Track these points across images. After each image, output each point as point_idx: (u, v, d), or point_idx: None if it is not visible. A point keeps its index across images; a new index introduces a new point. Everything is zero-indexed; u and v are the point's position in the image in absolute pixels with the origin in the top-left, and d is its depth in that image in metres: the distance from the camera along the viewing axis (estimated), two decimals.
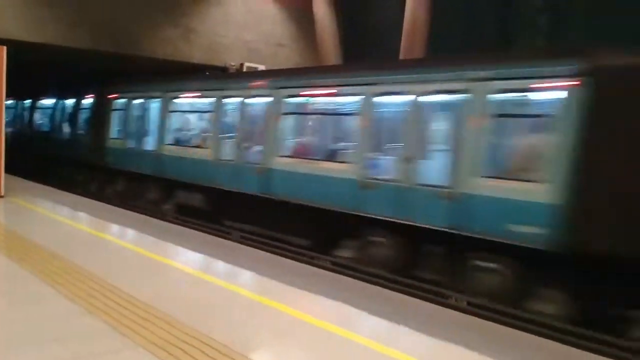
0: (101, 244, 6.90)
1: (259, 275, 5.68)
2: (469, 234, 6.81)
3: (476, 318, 6.00)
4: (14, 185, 10.54)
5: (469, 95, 7.02)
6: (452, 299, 7.15)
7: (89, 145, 15.68)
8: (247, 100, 10.65)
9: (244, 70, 18.15)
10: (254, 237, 10.27)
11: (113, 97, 15.15)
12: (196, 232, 9.42)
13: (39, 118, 20.55)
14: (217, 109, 11.39)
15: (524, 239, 6.24)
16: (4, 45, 9.57)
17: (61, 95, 18.44)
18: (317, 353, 3.80)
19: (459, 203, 6.93)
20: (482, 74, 6.94)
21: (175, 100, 12.89)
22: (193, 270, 5.72)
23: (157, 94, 13.32)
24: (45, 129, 19.51)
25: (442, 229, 7.06)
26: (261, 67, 18.63)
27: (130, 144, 13.90)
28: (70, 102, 17.75)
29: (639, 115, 5.85)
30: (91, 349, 3.64)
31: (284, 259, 7.92)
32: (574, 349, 4.94)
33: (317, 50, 17.90)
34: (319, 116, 10.17)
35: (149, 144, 13.28)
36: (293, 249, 9.48)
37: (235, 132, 10.85)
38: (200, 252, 6.62)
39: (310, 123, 10.45)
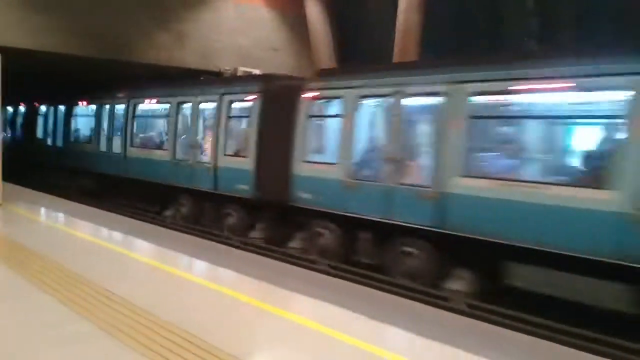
0: (97, 251, 6.85)
1: (254, 279, 5.64)
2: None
3: (475, 320, 6.00)
4: (10, 192, 10.48)
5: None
6: (452, 301, 7.13)
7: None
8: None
9: (238, 74, 18.17)
10: (249, 241, 10.27)
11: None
12: (195, 237, 9.42)
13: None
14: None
15: (245, 193, 10.37)
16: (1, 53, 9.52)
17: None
18: (312, 356, 3.76)
19: None
20: None
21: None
22: (191, 275, 5.69)
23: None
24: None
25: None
26: (256, 71, 18.65)
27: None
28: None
29: (275, 114, 10.06)
30: (87, 354, 3.60)
31: (278, 262, 7.91)
32: (572, 350, 4.94)
33: (311, 54, 17.92)
34: None
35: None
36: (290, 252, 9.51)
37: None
38: (198, 257, 6.59)
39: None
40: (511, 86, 6.88)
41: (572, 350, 4.92)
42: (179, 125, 12.78)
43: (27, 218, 9.00)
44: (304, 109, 9.39)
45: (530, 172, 7.07)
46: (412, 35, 15.43)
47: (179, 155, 12.35)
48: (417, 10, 15.13)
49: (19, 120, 21.96)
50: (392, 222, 7.82)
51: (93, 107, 16.93)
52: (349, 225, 8.59)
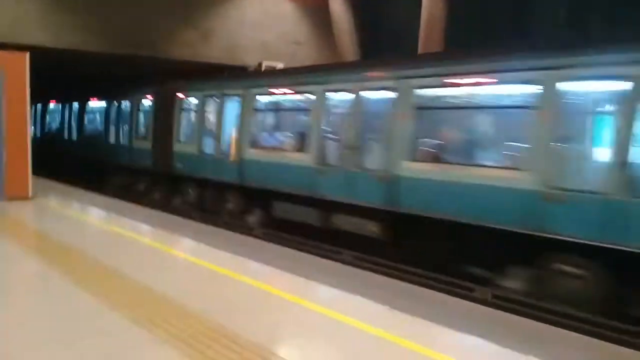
0: (126, 242, 7.01)
1: (284, 272, 5.71)
2: None
3: (501, 311, 5.97)
4: (41, 186, 10.76)
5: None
6: (476, 292, 7.11)
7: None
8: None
9: (263, 69, 18.21)
10: (278, 234, 10.35)
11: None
12: (222, 230, 9.53)
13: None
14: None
15: (148, 166, 14.88)
16: (27, 51, 9.75)
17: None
18: (343, 350, 3.80)
19: None
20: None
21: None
22: (219, 267, 5.77)
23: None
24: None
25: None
26: (279, 65, 18.70)
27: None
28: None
29: (164, 108, 14.08)
30: (118, 345, 3.70)
31: (306, 254, 7.96)
32: (599, 341, 4.89)
33: (335, 46, 17.89)
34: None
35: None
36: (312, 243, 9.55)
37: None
38: (225, 250, 6.67)
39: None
40: (446, 80, 7.91)
41: (601, 342, 4.87)
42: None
43: (58, 211, 9.23)
44: (177, 104, 13.75)
45: (463, 155, 7.92)
46: (436, 26, 15.30)
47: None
48: (441, 3, 15.02)
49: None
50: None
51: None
52: (202, 183, 12.73)
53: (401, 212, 8.11)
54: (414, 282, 6.97)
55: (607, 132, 6.68)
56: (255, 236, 9.86)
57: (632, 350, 4.74)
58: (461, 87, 7.92)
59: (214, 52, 17.34)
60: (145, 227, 8.12)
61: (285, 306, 4.62)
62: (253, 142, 11.22)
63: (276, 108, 12.12)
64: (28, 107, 9.73)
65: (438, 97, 8.47)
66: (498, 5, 16.22)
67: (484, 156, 7.85)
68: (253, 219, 11.47)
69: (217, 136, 12.11)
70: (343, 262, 8.11)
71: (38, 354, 3.55)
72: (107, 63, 17.67)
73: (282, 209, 10.51)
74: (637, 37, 6.46)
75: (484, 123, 8.18)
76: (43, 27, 13.82)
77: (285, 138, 10.93)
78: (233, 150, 11.45)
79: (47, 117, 23.36)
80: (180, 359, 3.47)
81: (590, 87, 6.65)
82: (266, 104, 11.91)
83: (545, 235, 6.43)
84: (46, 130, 23.48)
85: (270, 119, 12.17)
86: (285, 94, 11.18)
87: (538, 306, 6.42)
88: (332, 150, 9.37)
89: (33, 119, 21.07)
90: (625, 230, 5.84)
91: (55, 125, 22.77)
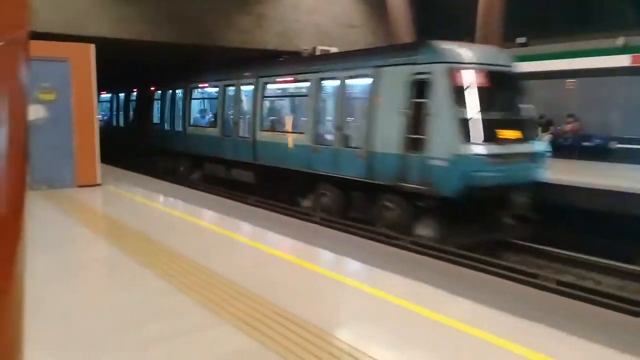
0: (191, 228, 7.25)
1: (339, 255, 5.77)
2: None
3: (565, 298, 5.83)
4: (109, 173, 11.26)
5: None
6: (540, 278, 6.97)
7: None
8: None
9: (317, 53, 18.20)
10: (333, 219, 10.47)
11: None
12: (278, 215, 9.70)
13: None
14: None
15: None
16: (92, 43, 10.15)
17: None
18: (399, 333, 3.83)
19: None
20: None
21: None
22: (275, 250, 5.90)
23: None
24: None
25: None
26: (333, 49, 18.66)
27: None
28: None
29: (145, 98, 20.14)
30: (184, 325, 3.87)
31: (360, 239, 8.01)
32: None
33: (390, 30, 17.65)
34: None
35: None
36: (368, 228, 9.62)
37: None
38: (281, 233, 6.81)
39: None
40: (276, 79, 13.52)
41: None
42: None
43: (125, 197, 9.63)
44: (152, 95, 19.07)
45: (283, 126, 13.33)
46: (495, 11, 14.91)
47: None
48: None
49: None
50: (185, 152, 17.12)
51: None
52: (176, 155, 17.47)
53: (259, 164, 13.39)
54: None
55: (334, 110, 11.65)
56: (313, 222, 9.99)
57: None
58: (280, 84, 13.44)
59: (268, 38, 17.50)
60: (208, 213, 8.35)
61: (348, 292, 4.68)
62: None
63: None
64: (95, 97, 10.14)
65: (272, 90, 13.63)
66: None
67: (293, 126, 12.93)
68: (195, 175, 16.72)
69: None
70: (399, 247, 8.10)
71: (107, 334, 3.76)
72: (165, 52, 18.12)
73: (207, 168, 16.03)
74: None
75: (290, 106, 14.01)
76: (105, 20, 14.34)
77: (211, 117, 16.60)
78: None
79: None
80: (243, 339, 3.60)
81: (331, 84, 11.65)
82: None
83: (315, 172, 11.57)
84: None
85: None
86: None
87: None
88: (230, 126, 14.70)
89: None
90: (342, 166, 10.89)
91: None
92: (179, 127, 17.20)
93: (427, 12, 19.07)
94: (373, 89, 10.16)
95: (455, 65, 9.07)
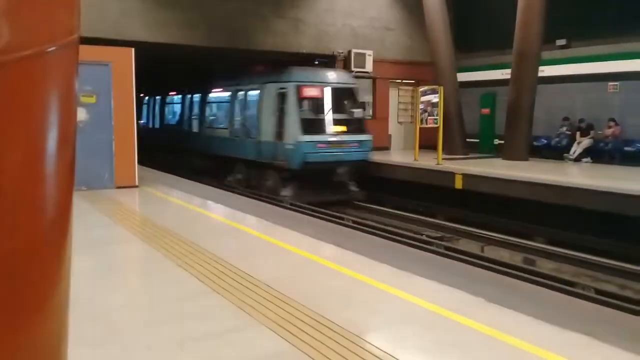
0: (227, 230, 7.33)
1: (372, 259, 5.74)
2: None
3: (605, 307, 5.68)
4: (146, 175, 11.49)
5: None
6: (579, 287, 6.81)
7: None
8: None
9: (352, 57, 18.18)
10: (367, 223, 10.45)
11: None
12: (310, 217, 9.72)
13: None
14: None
15: None
16: (132, 47, 10.37)
17: None
18: (432, 339, 3.78)
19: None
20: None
21: None
22: (312, 255, 5.90)
23: None
24: None
25: None
26: (369, 52, 18.57)
27: None
28: None
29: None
30: (219, 326, 3.91)
31: (393, 243, 7.96)
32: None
33: (426, 33, 17.49)
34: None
35: None
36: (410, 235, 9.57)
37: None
38: (315, 237, 6.81)
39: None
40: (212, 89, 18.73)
41: None
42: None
43: (162, 198, 9.80)
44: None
45: (217, 123, 18.17)
46: (534, 12, 14.67)
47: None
48: None
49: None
50: None
51: None
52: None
53: (206, 153, 17.97)
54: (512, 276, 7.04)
55: (240, 112, 16.34)
56: (348, 225, 9.99)
57: None
58: (214, 93, 18.44)
59: (303, 42, 17.55)
60: (244, 215, 8.40)
61: (382, 297, 4.65)
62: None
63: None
64: (134, 100, 10.36)
65: (211, 97, 18.65)
66: None
67: (222, 123, 17.48)
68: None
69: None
70: (432, 252, 8.01)
71: (144, 333, 3.82)
72: (203, 56, 18.37)
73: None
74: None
75: (220, 108, 18.14)
76: (144, 24, 14.63)
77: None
78: None
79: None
80: (277, 341, 3.62)
81: (241, 94, 16.24)
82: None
83: (234, 156, 16.07)
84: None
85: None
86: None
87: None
88: (192, 124, 20.11)
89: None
90: (246, 151, 15.35)
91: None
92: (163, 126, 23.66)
93: (465, 13, 18.86)
94: (260, 98, 15.05)
95: (300, 83, 13.83)
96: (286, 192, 13.75)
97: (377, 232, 9.63)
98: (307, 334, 3.73)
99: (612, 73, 15.23)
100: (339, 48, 17.96)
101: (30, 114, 1.01)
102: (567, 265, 9.20)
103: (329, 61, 17.96)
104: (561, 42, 16.39)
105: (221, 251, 5.88)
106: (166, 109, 23.21)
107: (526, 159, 15.31)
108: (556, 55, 16.35)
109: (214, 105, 18.77)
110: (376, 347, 3.54)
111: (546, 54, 15.62)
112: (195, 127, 19.58)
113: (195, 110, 19.81)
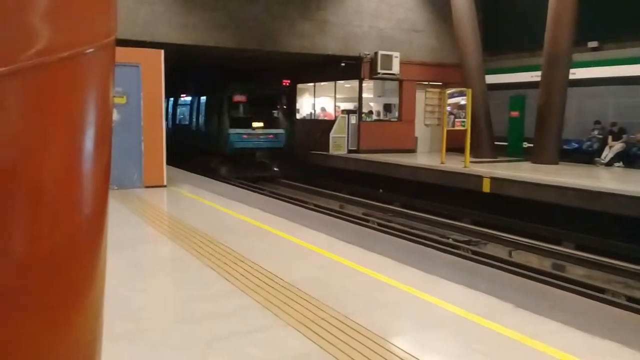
0: (255, 231, 7.37)
1: (398, 262, 5.71)
2: None
3: (635, 314, 5.55)
4: (174, 175, 11.63)
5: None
6: (609, 294, 6.67)
7: None
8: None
9: (379, 58, 18.09)
10: (391, 225, 10.41)
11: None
12: (336, 219, 9.71)
13: None
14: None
15: None
16: (161, 48, 10.52)
17: None
18: (459, 344, 3.74)
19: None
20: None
21: None
22: (338, 257, 5.90)
23: None
24: None
25: None
26: (395, 54, 18.49)
27: None
28: None
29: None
30: (246, 325, 3.94)
31: (419, 246, 7.90)
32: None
33: (454, 34, 17.33)
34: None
35: None
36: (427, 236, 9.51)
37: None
38: (340, 238, 6.80)
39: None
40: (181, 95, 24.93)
41: None
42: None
43: (189, 198, 9.90)
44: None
45: (186, 121, 23.97)
46: (565, 14, 14.43)
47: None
48: None
49: None
50: None
51: None
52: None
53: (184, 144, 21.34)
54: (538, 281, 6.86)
55: (197, 113, 22.23)
56: (374, 228, 9.97)
57: None
58: (184, 97, 24.36)
59: (329, 43, 17.56)
60: (272, 217, 8.38)
61: (408, 300, 4.62)
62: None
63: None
64: (163, 101, 10.50)
65: (181, 101, 24.66)
66: None
67: (188, 120, 23.23)
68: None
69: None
70: (462, 257, 7.93)
71: (173, 331, 3.87)
72: (229, 58, 18.54)
73: None
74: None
75: (188, 110, 23.31)
76: (173, 26, 14.83)
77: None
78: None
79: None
80: (303, 341, 3.62)
81: (198, 99, 22.21)
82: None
83: (196, 146, 21.91)
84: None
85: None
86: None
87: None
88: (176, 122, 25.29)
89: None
90: (203, 143, 21.10)
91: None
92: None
93: (494, 14, 18.64)
94: (209, 103, 20.52)
95: (231, 92, 18.69)
96: (223, 171, 18.84)
97: (402, 234, 9.59)
98: (333, 335, 3.73)
99: None
100: (366, 50, 17.92)
101: (70, 114, 1.03)
102: (597, 272, 9.02)
103: (355, 63, 17.94)
104: (593, 44, 16.08)
105: (248, 251, 5.92)
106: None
107: (556, 163, 15.06)
108: (588, 58, 16.04)
109: (182, 107, 25.12)
110: (403, 351, 3.52)
111: (577, 56, 15.34)
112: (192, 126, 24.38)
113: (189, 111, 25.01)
